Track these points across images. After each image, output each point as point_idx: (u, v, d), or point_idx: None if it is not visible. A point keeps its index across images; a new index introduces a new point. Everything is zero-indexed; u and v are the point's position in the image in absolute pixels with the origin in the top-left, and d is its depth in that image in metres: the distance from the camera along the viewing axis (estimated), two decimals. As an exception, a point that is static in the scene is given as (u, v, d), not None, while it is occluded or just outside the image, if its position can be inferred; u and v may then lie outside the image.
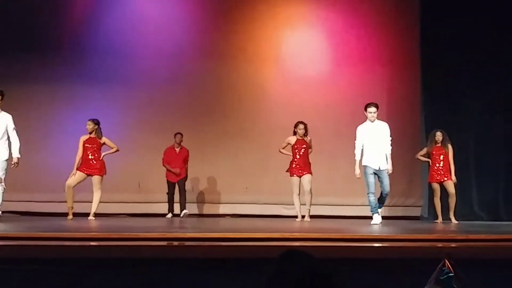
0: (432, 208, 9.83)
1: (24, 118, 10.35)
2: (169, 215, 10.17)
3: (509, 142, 10.10)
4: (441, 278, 2.62)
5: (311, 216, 9.26)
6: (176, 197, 10.17)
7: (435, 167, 9.45)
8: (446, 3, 10.25)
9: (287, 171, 9.42)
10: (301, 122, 9.42)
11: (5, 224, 7.58)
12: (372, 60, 10.83)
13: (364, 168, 8.37)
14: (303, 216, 9.27)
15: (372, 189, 8.30)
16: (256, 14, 11.01)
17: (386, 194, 8.46)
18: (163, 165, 10.24)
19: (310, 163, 9.40)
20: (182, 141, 10.31)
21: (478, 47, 10.08)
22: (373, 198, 8.32)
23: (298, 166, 9.35)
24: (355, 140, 8.52)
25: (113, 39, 10.68)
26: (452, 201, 9.38)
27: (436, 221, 9.41)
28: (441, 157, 9.45)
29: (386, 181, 8.34)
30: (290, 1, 11.08)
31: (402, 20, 10.88)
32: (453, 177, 9.38)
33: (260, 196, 10.74)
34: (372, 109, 8.46)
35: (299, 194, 9.34)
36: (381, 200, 8.50)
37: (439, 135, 9.47)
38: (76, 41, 10.64)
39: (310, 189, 9.24)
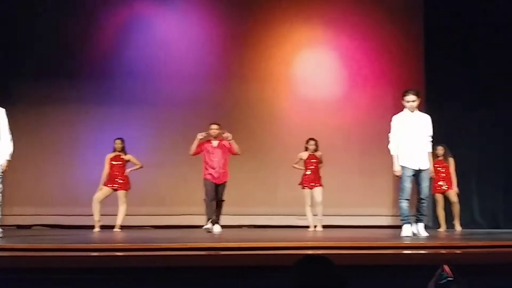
0: (435, 218, 9.79)
1: (56, 135, 10.57)
2: (209, 226, 8.42)
3: (508, 153, 10.00)
4: (440, 282, 2.63)
5: (323, 226, 9.28)
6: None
7: (438, 179, 9.45)
8: (448, 23, 10.23)
9: (299, 184, 9.45)
10: (312, 139, 9.49)
11: (35, 237, 7.64)
12: (379, 80, 10.82)
13: (401, 169, 6.83)
14: (315, 226, 9.28)
15: (406, 195, 6.79)
16: (269, 38, 11.05)
17: (425, 199, 6.93)
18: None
19: (320, 177, 9.43)
20: (219, 133, 8.80)
21: (481, 66, 10.02)
22: (405, 205, 6.80)
23: (309, 179, 9.37)
24: (389, 133, 7.00)
25: (136, 63, 10.77)
26: (456, 209, 9.46)
27: (439, 229, 9.38)
28: (443, 169, 9.46)
29: (426, 182, 6.89)
30: (302, 25, 11.09)
31: (407, 39, 10.84)
32: (455, 188, 9.45)
33: (275, 208, 10.73)
34: (410, 97, 6.78)
35: (310, 206, 9.35)
36: (420, 208, 6.91)
37: (440, 149, 9.48)
38: (103, 66, 10.77)
39: (321, 201, 9.26)
